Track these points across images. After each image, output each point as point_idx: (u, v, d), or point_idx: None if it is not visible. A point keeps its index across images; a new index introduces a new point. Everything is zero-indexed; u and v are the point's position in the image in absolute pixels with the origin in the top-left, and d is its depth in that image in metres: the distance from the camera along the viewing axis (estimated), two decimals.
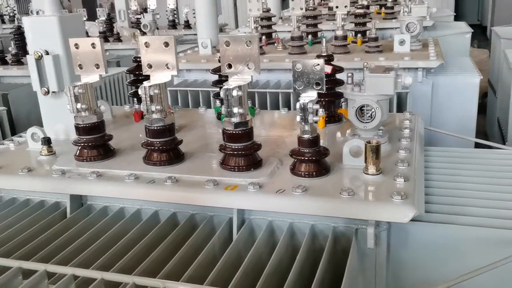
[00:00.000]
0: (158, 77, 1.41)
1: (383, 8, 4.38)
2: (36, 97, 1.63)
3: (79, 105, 1.45)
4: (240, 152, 1.34)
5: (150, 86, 1.36)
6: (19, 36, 3.82)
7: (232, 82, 1.33)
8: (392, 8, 4.27)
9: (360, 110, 1.45)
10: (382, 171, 1.28)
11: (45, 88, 1.70)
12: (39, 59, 1.66)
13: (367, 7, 3.56)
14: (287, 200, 1.21)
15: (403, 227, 1.21)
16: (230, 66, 1.35)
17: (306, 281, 1.06)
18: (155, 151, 1.43)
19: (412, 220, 1.13)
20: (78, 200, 1.46)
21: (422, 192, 1.33)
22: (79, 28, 1.76)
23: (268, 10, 3.23)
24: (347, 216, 1.18)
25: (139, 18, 5.11)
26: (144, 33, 4.82)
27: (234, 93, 1.29)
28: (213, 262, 1.12)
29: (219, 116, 1.89)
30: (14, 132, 2.72)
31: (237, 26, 9.11)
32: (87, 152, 1.49)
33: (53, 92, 1.70)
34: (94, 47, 1.48)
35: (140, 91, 1.36)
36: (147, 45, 1.40)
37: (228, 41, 1.32)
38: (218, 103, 1.96)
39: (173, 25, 6.12)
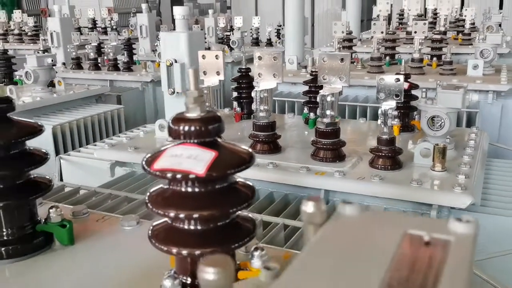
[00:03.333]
0: (266, 83, 1.78)
1: (460, 34, 4.55)
2: (142, 98, 2.02)
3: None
4: (328, 146, 1.68)
5: (261, 91, 1.74)
6: (128, 46, 4.41)
7: (326, 90, 1.68)
8: (469, 34, 4.44)
9: (432, 119, 1.74)
10: (447, 170, 1.57)
11: (171, 89, 2.13)
12: (170, 66, 2.10)
13: (444, 33, 3.77)
14: (366, 185, 1.52)
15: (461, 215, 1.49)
16: (325, 77, 1.70)
17: None
18: (259, 142, 1.80)
19: (469, 210, 1.40)
20: None
21: (480, 189, 1.60)
22: (200, 42, 2.19)
23: (350, 33, 3.56)
24: (415, 200, 1.48)
25: (228, 35, 5.60)
26: (231, 49, 5.31)
27: (328, 98, 1.64)
28: None
29: (306, 121, 2.23)
30: (125, 127, 3.21)
31: (313, 46, 9.47)
32: None
33: (177, 92, 2.13)
34: (217, 58, 1.89)
35: (253, 94, 1.74)
36: (259, 58, 1.78)
37: (326, 57, 1.67)
38: (306, 109, 2.30)
39: (256, 42, 6.58)
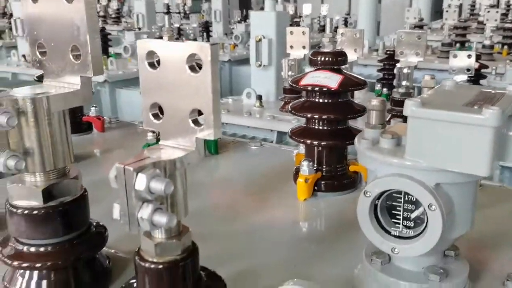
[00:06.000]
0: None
1: None
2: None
3: (290, 73, 2.10)
4: (402, 114, 1.89)
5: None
6: (206, 29, 4.74)
7: (403, 63, 1.88)
8: None
9: None
10: None
11: (259, 62, 2.40)
12: (258, 41, 2.36)
13: None
14: None
15: None
16: (402, 52, 1.91)
17: None
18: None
19: None
20: (280, 136, 2.11)
21: None
22: (286, 21, 2.44)
23: (421, 20, 3.69)
24: None
25: (298, 21, 5.83)
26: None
27: (405, 70, 1.84)
28: None
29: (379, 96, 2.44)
30: None
31: (378, 34, 9.48)
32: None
33: (264, 65, 2.39)
34: (303, 34, 2.13)
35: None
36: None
37: (404, 34, 1.88)
38: (378, 86, 2.51)
39: (323, 30, 6.76)
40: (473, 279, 0.65)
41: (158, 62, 0.49)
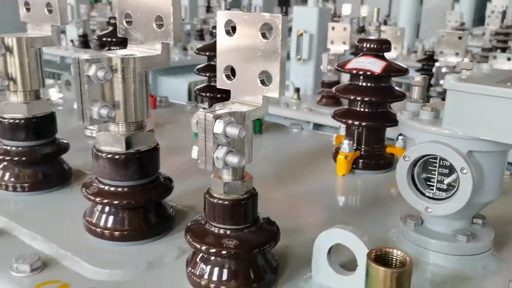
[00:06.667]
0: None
1: None
2: None
3: (329, 67, 2.17)
4: None
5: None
6: None
7: (442, 63, 1.93)
8: None
9: None
10: None
11: (299, 56, 2.47)
12: (300, 36, 2.44)
13: None
14: None
15: None
16: (442, 52, 1.95)
17: None
18: None
19: None
20: (316, 128, 2.18)
21: None
22: (327, 17, 2.50)
23: (463, 24, 3.69)
24: None
25: (337, 21, 5.85)
26: None
27: (443, 70, 1.89)
28: None
29: None
30: None
31: (417, 36, 9.39)
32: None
33: (304, 59, 2.47)
34: (345, 30, 2.19)
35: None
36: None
37: (445, 35, 1.92)
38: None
39: (361, 30, 6.76)
40: (497, 247, 0.71)
41: (234, 30, 0.57)
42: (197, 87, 1.23)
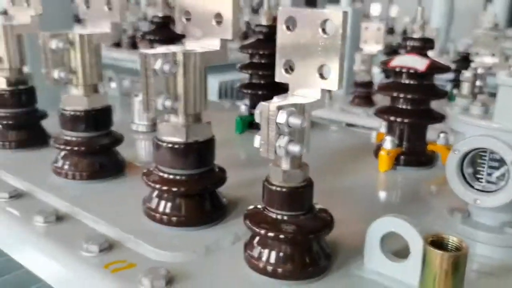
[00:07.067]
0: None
1: None
2: None
3: (362, 67, 2.18)
4: None
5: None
6: None
7: (478, 64, 1.92)
8: None
9: None
10: None
11: None
12: None
13: None
14: None
15: None
16: (477, 53, 1.95)
17: None
18: None
19: None
20: None
21: None
22: (359, 17, 2.52)
23: (496, 25, 3.64)
24: None
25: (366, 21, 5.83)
26: None
27: (479, 71, 1.88)
28: None
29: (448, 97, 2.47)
30: None
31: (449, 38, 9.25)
32: None
33: None
34: (378, 30, 2.20)
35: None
36: None
37: (481, 36, 1.92)
38: (449, 87, 2.53)
39: (390, 32, 6.70)
40: None
41: (293, 25, 0.60)
42: (239, 84, 1.26)
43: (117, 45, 3.92)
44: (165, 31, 1.35)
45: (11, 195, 0.82)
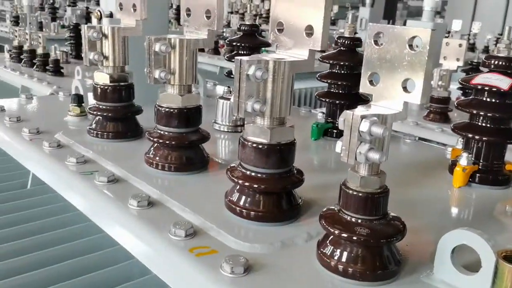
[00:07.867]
0: None
1: None
2: None
3: (440, 83, 2.15)
4: None
5: None
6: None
7: None
8: None
9: None
10: None
11: None
12: None
13: None
14: None
15: None
16: None
17: None
18: None
19: None
20: None
21: None
22: (442, 33, 2.48)
23: None
24: None
25: (446, 36, 5.66)
26: None
27: None
28: None
29: None
30: None
31: None
32: None
33: None
34: (460, 46, 2.16)
35: None
36: None
37: None
38: None
39: (471, 48, 6.45)
40: None
41: (381, 40, 0.64)
42: (317, 92, 1.31)
43: (200, 50, 4.08)
44: (250, 39, 1.42)
45: (109, 179, 0.91)
